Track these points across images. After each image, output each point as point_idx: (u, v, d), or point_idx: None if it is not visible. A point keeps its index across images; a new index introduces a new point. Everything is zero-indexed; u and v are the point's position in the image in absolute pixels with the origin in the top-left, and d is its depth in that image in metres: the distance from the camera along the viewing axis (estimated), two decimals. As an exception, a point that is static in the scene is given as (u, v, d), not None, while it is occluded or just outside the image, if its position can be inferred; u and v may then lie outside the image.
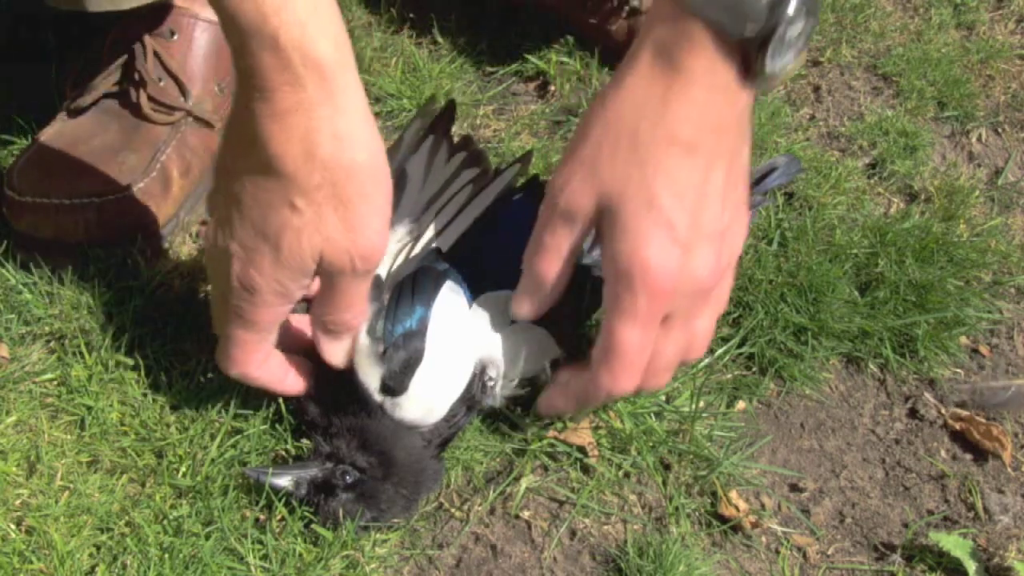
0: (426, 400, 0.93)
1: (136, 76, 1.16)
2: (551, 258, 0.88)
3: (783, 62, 0.81)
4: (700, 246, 0.84)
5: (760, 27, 0.79)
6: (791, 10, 0.79)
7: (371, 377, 0.92)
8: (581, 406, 0.95)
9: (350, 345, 0.93)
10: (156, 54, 1.16)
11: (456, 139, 1.06)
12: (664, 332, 0.87)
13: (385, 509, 0.93)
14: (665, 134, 0.81)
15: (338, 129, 0.81)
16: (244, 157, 0.83)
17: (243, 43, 0.78)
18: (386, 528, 0.95)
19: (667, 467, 1.04)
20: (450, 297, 0.96)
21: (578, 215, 0.86)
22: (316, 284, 0.90)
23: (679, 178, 0.82)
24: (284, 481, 0.92)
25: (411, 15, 1.43)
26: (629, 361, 0.86)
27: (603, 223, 0.85)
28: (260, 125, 0.80)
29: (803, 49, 0.82)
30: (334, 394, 0.95)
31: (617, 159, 0.83)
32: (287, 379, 0.95)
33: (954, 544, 0.99)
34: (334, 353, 0.93)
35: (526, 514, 1.00)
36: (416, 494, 0.95)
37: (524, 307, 0.92)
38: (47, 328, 1.05)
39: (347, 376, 0.94)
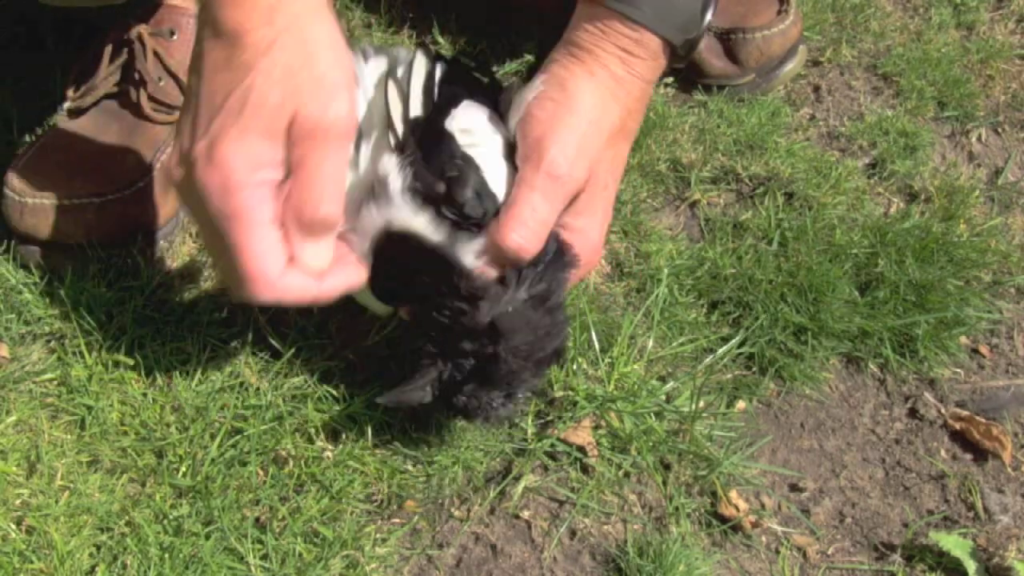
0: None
1: (136, 76, 1.16)
2: (541, 229, 0.92)
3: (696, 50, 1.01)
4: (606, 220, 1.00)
5: (696, 34, 0.98)
6: (710, 12, 0.98)
7: (438, 234, 0.89)
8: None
9: (331, 247, 0.86)
10: (156, 54, 1.16)
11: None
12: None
13: (511, 383, 0.91)
14: (623, 128, 0.98)
15: (297, 11, 0.81)
16: (201, 43, 0.82)
17: None
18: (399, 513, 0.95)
19: (667, 467, 1.04)
20: (472, 111, 0.97)
21: (574, 190, 0.95)
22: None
23: (620, 164, 1.00)
24: (418, 394, 0.90)
25: (411, 15, 1.43)
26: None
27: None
28: (218, 9, 0.81)
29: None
30: (405, 287, 0.92)
31: (599, 150, 0.96)
32: (323, 283, 0.86)
33: (954, 544, 0.99)
34: (315, 256, 0.85)
35: (526, 514, 1.00)
36: (535, 356, 0.92)
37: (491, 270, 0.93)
38: (47, 328, 1.05)
39: (414, 257, 0.89)
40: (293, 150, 0.82)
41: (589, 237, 0.97)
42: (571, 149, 0.93)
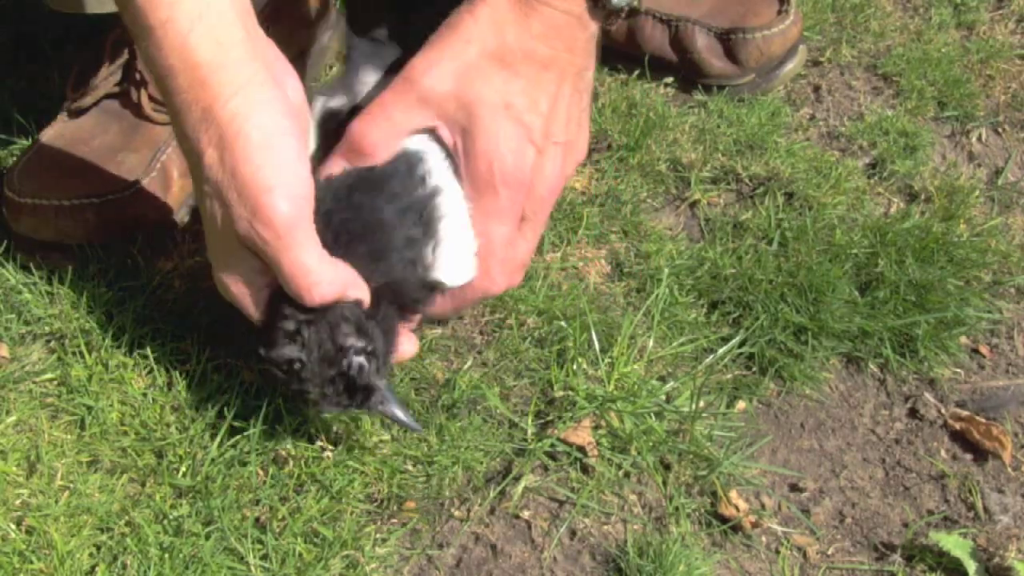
0: None
1: (137, 76, 1.16)
2: (387, 130, 0.91)
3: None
4: (551, 151, 0.92)
5: None
6: None
7: None
8: (457, 311, 0.98)
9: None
10: (156, 54, 1.16)
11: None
12: (520, 234, 0.94)
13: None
14: (523, 50, 0.90)
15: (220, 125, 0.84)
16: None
17: (139, 44, 0.85)
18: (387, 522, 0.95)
19: (667, 467, 1.04)
20: None
21: (432, 102, 0.90)
22: None
23: (534, 88, 0.91)
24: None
25: (411, 15, 1.43)
26: (501, 258, 0.92)
27: (462, 129, 0.91)
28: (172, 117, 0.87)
29: None
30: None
31: (479, 67, 0.90)
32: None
33: (954, 544, 0.99)
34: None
35: (526, 514, 1.00)
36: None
37: (337, 166, 0.93)
38: (47, 328, 1.05)
39: None
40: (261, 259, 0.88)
41: (492, 157, 0.91)
42: (430, 60, 0.91)
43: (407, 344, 0.97)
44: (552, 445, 1.02)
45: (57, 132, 1.15)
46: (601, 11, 0.92)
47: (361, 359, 0.90)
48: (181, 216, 1.16)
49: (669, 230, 1.25)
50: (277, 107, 0.86)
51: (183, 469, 0.96)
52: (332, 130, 0.96)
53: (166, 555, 0.90)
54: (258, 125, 0.84)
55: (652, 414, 1.05)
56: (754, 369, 1.13)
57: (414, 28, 0.97)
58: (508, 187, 0.90)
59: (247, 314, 0.93)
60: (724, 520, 1.01)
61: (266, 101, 0.85)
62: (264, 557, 0.91)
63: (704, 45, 1.37)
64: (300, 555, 0.92)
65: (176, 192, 1.14)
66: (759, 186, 1.29)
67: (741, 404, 1.10)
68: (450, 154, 0.93)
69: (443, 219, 0.92)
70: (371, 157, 0.91)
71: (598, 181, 1.27)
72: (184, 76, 0.83)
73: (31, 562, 0.89)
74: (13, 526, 0.91)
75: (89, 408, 0.99)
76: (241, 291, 0.91)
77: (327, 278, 0.87)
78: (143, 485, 0.96)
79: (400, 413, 0.94)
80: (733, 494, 1.02)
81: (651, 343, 1.11)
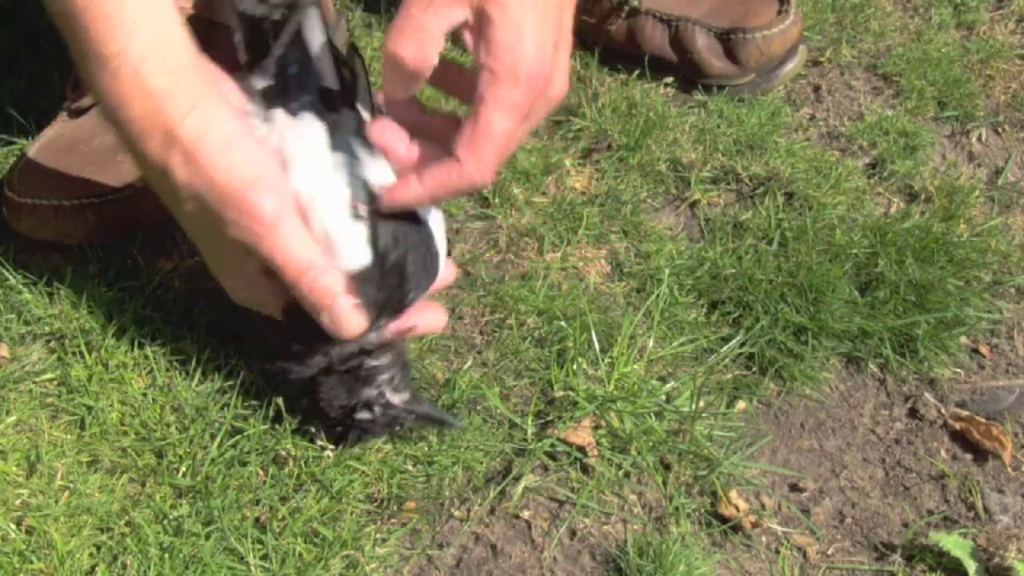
0: None
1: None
2: (423, 40, 0.87)
3: None
4: (562, 51, 0.90)
5: None
6: None
7: None
8: (434, 196, 0.92)
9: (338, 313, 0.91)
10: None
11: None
12: (518, 129, 0.92)
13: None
14: None
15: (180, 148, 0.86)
16: None
17: (89, 74, 0.86)
18: (387, 520, 0.95)
19: (667, 467, 1.04)
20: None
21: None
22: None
23: None
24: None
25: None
26: (498, 150, 0.89)
27: (485, 16, 0.87)
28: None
29: None
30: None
31: None
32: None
33: (954, 544, 0.99)
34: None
35: (526, 514, 1.00)
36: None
37: (397, 92, 0.91)
38: (47, 328, 1.05)
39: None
40: None
41: (516, 48, 0.86)
42: None
43: (432, 317, 0.97)
44: (552, 445, 1.02)
45: (57, 132, 1.15)
46: None
47: (364, 415, 0.96)
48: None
49: (669, 230, 1.25)
50: (227, 115, 0.88)
51: (183, 469, 0.96)
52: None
53: (166, 555, 0.90)
54: (217, 134, 0.86)
55: (652, 414, 1.05)
56: (754, 369, 1.13)
57: None
58: (526, 85, 0.87)
59: (271, 313, 0.95)
60: (724, 520, 1.01)
61: (217, 113, 0.87)
62: (264, 557, 0.91)
63: (704, 45, 1.37)
64: (300, 555, 0.92)
65: (176, 192, 1.14)
66: (759, 186, 1.29)
67: (741, 404, 1.10)
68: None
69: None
70: (417, 73, 0.88)
71: (598, 181, 1.27)
72: (139, 104, 0.85)
73: (31, 562, 0.89)
74: (13, 526, 0.91)
75: (89, 408, 0.99)
76: (255, 293, 0.94)
77: (320, 264, 0.88)
78: (143, 485, 0.96)
79: (434, 414, 0.98)
80: (733, 494, 1.02)
81: (651, 343, 1.11)
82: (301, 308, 0.90)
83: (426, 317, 0.97)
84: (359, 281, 0.89)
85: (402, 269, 0.91)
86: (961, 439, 1.12)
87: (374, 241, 0.89)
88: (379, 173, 0.90)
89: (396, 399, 0.97)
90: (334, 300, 0.89)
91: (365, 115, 0.94)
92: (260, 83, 0.92)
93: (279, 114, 0.91)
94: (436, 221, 0.94)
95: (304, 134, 0.90)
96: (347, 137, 0.91)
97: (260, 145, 0.89)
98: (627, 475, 1.03)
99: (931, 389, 1.15)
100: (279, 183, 0.88)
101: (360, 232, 0.89)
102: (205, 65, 0.89)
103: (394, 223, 0.90)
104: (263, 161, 0.88)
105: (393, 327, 0.94)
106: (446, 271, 0.98)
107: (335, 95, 0.93)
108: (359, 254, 0.89)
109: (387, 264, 0.90)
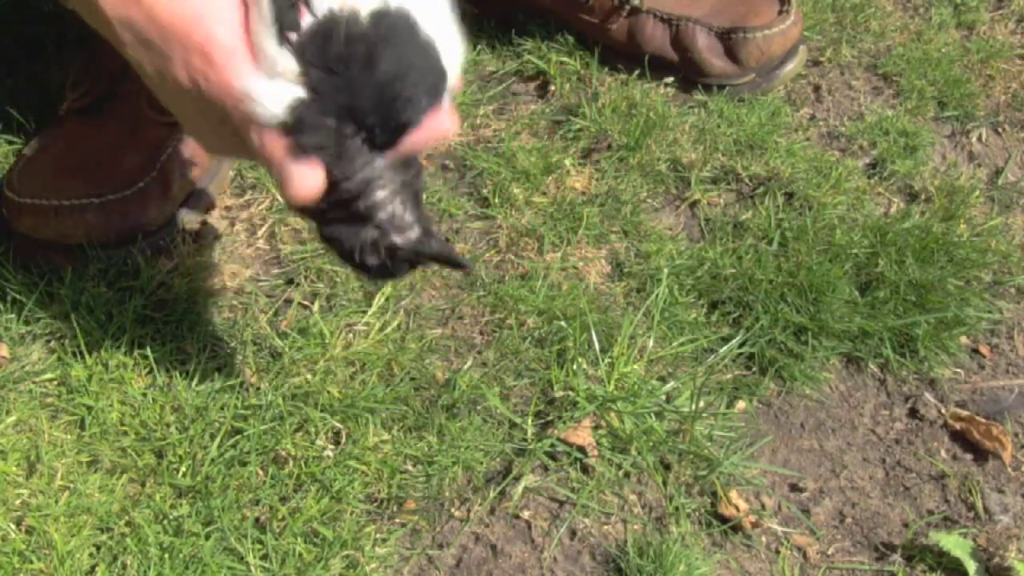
0: None
1: (136, 76, 1.16)
2: None
3: None
4: None
5: None
6: None
7: None
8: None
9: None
10: (156, 54, 1.16)
11: None
12: None
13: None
14: None
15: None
16: None
17: None
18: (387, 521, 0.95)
19: (667, 467, 1.04)
20: None
21: None
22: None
23: None
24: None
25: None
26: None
27: None
28: None
29: None
30: None
31: None
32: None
33: (954, 544, 0.99)
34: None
35: (526, 514, 1.00)
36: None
37: None
38: (47, 328, 1.05)
39: None
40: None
41: None
42: None
43: (446, 122, 0.84)
44: (552, 445, 1.02)
45: (57, 132, 1.15)
46: None
47: (372, 259, 0.86)
48: (181, 216, 1.16)
49: (669, 230, 1.25)
50: None
51: (183, 469, 0.96)
52: None
53: (166, 555, 0.90)
54: None
55: (652, 414, 1.05)
56: (754, 369, 1.13)
57: None
58: None
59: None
60: (724, 520, 1.01)
61: None
62: (264, 557, 0.91)
63: (705, 45, 1.36)
64: (300, 555, 0.92)
65: (176, 192, 1.14)
66: (759, 186, 1.29)
67: (741, 404, 1.10)
68: None
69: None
70: None
71: (598, 181, 1.27)
72: None
73: (31, 562, 0.89)
74: (13, 526, 0.91)
75: (89, 408, 0.99)
76: (228, 146, 0.86)
77: (277, 98, 0.79)
78: (143, 485, 0.96)
79: (445, 253, 0.87)
80: (733, 494, 1.02)
81: (651, 343, 1.11)
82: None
83: (429, 126, 0.83)
84: (298, 124, 0.79)
85: (374, 83, 0.78)
86: (961, 439, 1.12)
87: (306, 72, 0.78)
88: None
89: (399, 239, 0.86)
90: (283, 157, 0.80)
91: None
92: None
93: None
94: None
95: None
96: None
97: None
98: (627, 475, 1.03)
99: (931, 389, 1.15)
100: (231, 17, 0.80)
101: (288, 62, 0.78)
102: None
103: (344, 36, 0.77)
104: None
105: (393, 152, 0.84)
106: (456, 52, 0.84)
107: None
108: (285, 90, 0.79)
109: (333, 89, 0.78)
